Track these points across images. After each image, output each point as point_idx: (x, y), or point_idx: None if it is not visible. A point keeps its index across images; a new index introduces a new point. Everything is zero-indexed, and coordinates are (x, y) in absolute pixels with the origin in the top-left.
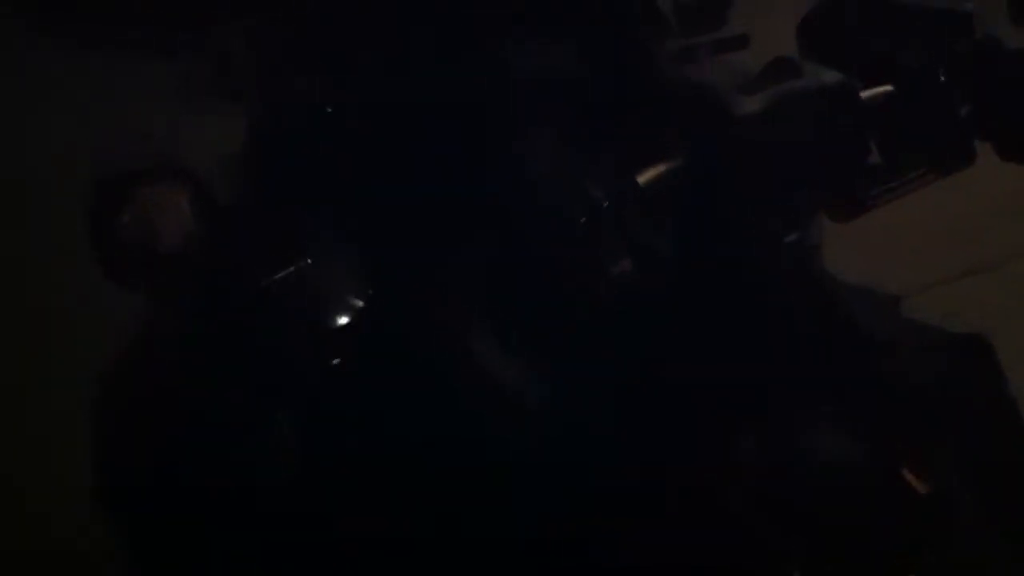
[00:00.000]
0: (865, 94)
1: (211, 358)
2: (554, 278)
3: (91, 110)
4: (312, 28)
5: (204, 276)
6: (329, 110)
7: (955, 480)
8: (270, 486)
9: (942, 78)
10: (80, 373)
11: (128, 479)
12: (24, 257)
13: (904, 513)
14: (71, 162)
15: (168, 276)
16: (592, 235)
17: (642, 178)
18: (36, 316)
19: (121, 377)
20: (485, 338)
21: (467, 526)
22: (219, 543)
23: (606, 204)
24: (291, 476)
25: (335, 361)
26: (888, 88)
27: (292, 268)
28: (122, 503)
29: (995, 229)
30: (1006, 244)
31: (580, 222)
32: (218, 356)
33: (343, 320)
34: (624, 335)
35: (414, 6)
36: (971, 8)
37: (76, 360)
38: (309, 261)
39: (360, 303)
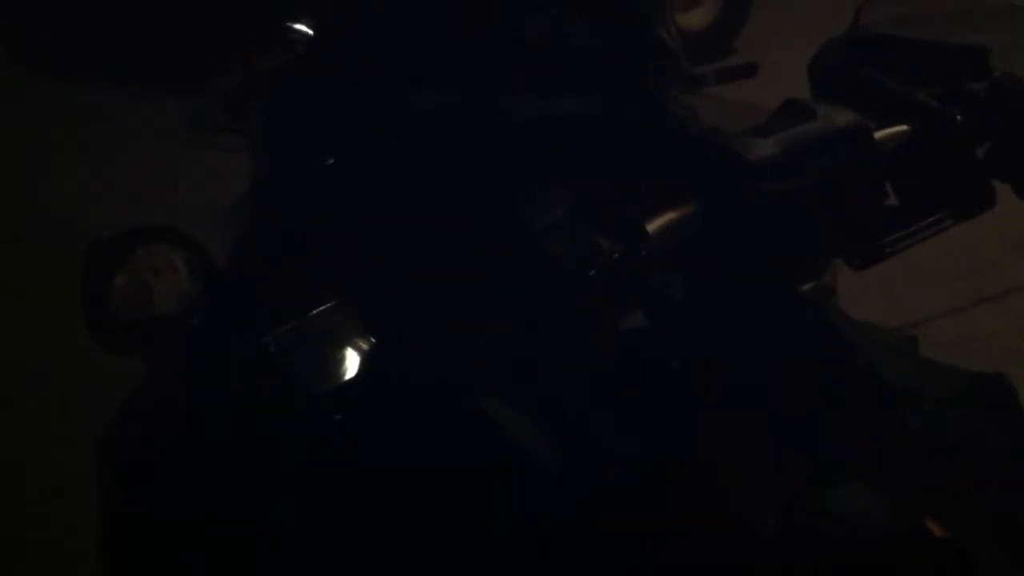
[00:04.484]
0: (879, 135)
1: (209, 423)
2: (565, 329)
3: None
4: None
5: (200, 337)
6: (332, 161)
7: (977, 529)
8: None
9: (958, 118)
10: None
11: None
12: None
13: (926, 562)
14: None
15: (162, 340)
16: (603, 286)
17: (652, 226)
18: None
19: (119, 442)
20: (494, 394)
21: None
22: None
23: (616, 256)
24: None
25: (338, 417)
26: (903, 128)
27: (293, 323)
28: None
29: (1001, 262)
30: (1011, 276)
31: (590, 274)
32: (216, 421)
33: (345, 376)
34: (635, 390)
35: (421, 56)
36: (987, 44)
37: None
38: (311, 314)
39: (362, 359)
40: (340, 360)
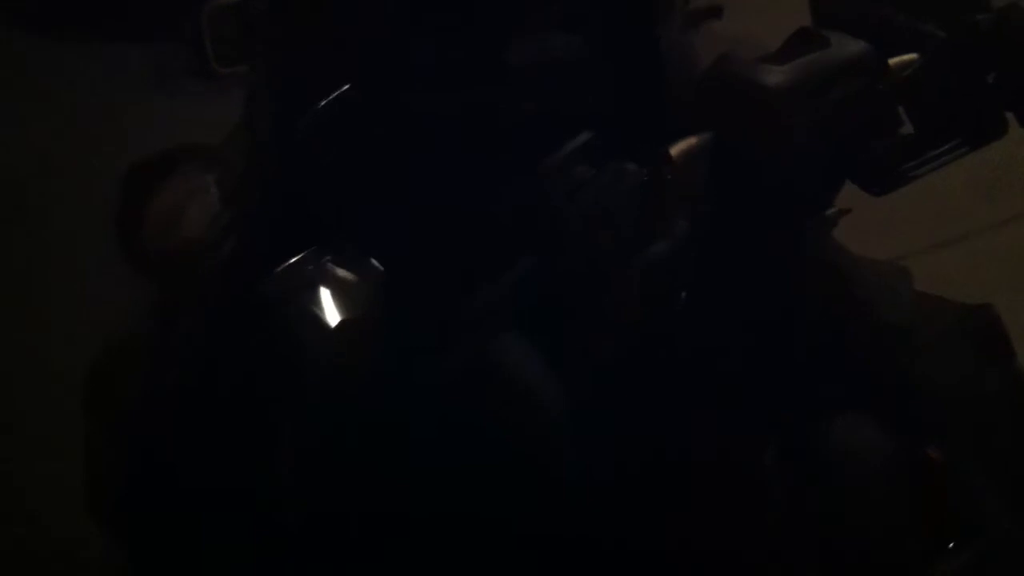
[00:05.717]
0: (892, 62)
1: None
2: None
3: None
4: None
5: (218, 266)
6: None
7: (973, 465)
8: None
9: (965, 47)
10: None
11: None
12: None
13: (929, 491)
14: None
15: (189, 264)
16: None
17: (675, 149)
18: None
19: (120, 376)
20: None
21: (481, 525)
22: (219, 552)
23: (644, 179)
24: (298, 487)
25: (344, 357)
26: (914, 56)
27: (303, 255)
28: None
29: (963, 206)
30: (973, 220)
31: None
32: (227, 354)
33: (355, 314)
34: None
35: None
36: None
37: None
38: (316, 256)
39: (375, 299)
40: (344, 302)
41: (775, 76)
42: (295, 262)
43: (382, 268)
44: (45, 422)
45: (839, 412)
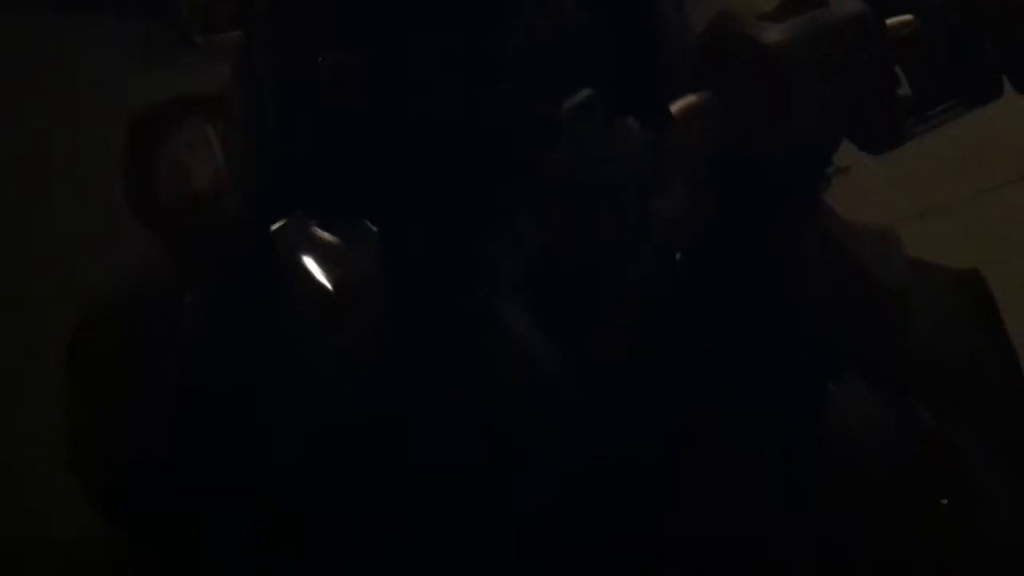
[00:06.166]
0: (889, 22)
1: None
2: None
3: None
4: None
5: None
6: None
7: (966, 430)
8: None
9: (963, 8)
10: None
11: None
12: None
13: (923, 456)
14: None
15: (199, 221)
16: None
17: (676, 108)
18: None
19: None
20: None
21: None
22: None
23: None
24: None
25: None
26: (911, 17)
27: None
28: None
29: (945, 176)
30: (955, 191)
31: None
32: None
33: (352, 278)
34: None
35: None
36: None
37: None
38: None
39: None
40: (346, 257)
41: (774, 34)
42: (286, 224)
43: (376, 231)
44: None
45: (837, 381)
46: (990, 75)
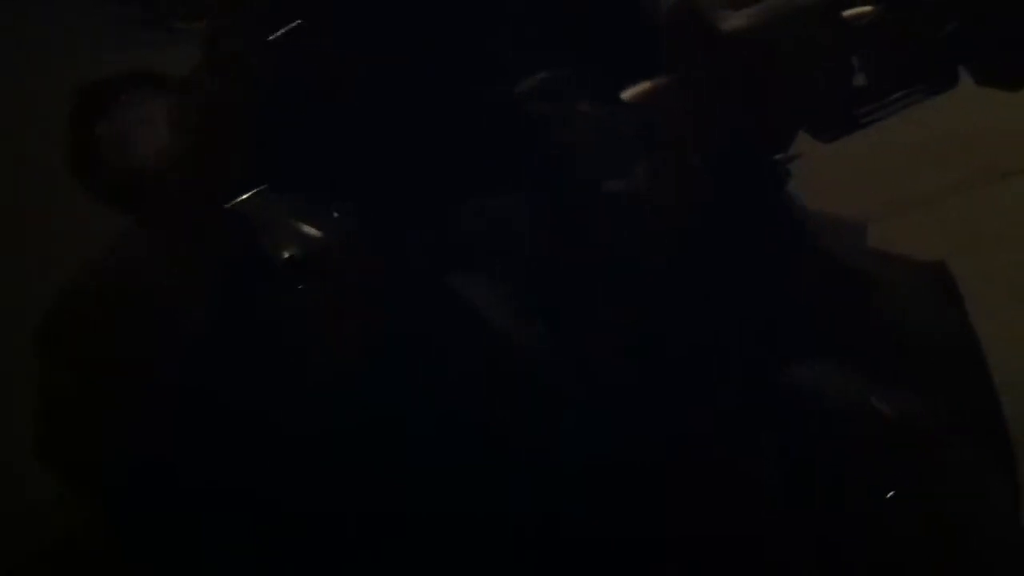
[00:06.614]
0: (847, 13)
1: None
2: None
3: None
4: None
5: (177, 193)
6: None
7: (929, 410)
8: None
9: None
10: None
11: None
12: None
13: (874, 437)
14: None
15: (144, 193)
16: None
17: (627, 94)
18: None
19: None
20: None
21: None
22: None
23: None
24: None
25: (300, 286)
26: (869, 8)
27: (256, 191)
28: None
29: (913, 172)
30: (926, 186)
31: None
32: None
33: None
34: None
35: None
36: None
37: None
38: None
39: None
40: (312, 224)
41: (732, 20)
42: (252, 196)
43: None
44: None
45: (808, 364)
46: (944, 66)
